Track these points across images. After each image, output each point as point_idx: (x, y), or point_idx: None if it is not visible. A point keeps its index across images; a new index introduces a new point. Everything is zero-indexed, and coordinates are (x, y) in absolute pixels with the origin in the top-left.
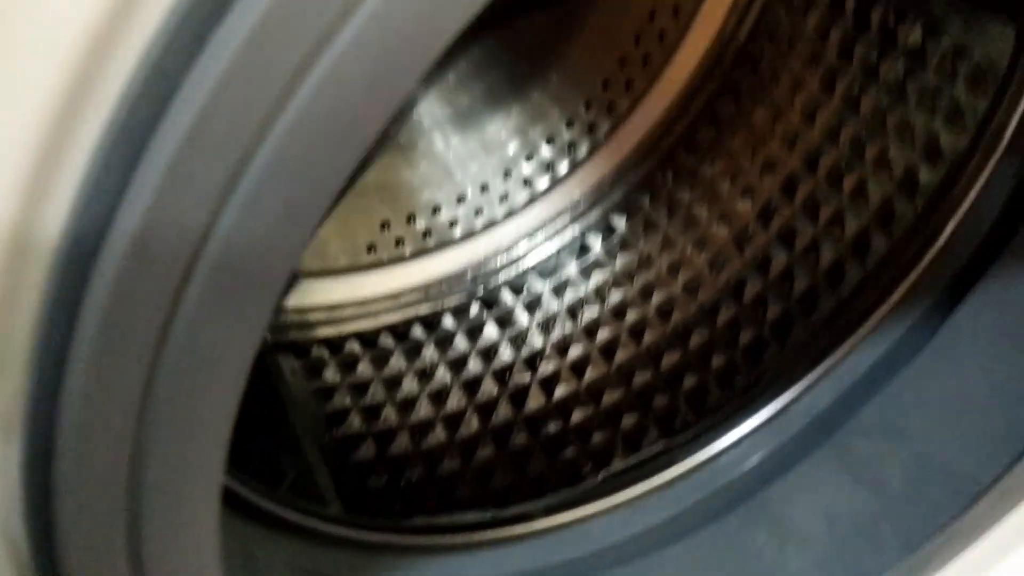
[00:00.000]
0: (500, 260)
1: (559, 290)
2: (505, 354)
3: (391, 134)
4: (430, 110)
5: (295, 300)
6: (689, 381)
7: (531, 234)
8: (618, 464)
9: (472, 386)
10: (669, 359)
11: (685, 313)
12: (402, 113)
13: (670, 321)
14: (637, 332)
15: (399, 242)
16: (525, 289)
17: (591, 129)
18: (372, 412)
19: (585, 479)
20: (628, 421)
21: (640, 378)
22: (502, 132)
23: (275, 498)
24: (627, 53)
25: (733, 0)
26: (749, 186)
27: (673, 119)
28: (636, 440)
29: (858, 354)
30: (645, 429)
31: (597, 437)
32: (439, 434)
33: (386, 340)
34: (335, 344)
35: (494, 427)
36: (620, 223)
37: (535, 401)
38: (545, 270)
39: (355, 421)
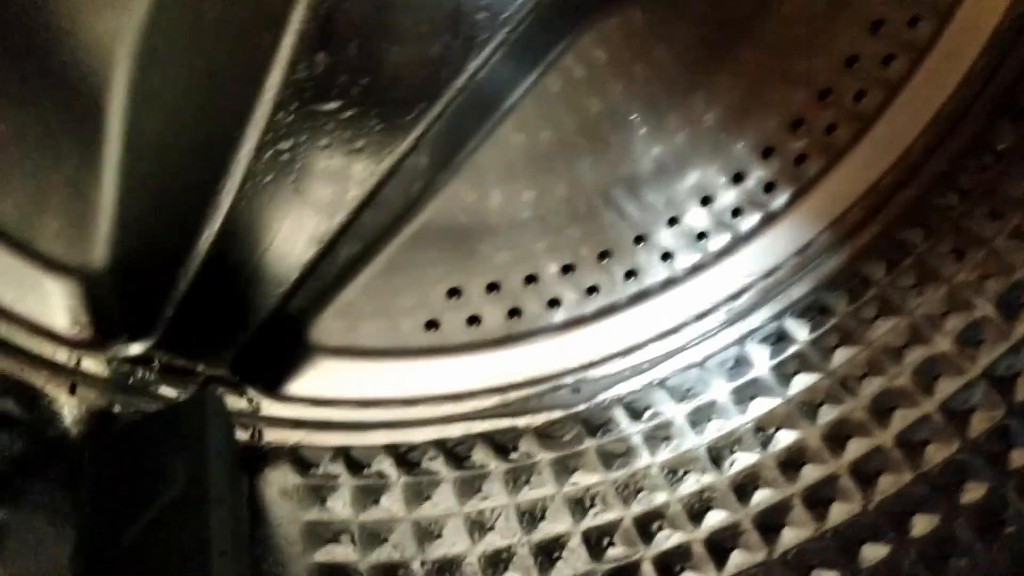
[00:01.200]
0: (616, 365)
1: (699, 419)
2: (608, 509)
3: (468, 135)
4: (527, 110)
5: (307, 386)
6: None
7: (667, 332)
8: None
9: (548, 553)
10: (873, 553)
11: (901, 478)
12: (495, 96)
13: (875, 489)
14: (819, 501)
15: (473, 320)
16: (648, 412)
17: (768, 189)
18: (387, 573)
19: None
20: None
21: None
22: (633, 178)
23: None
24: (833, 79)
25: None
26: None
27: (900, 178)
28: None
29: None
30: None
31: None
32: None
33: (433, 462)
34: (357, 459)
35: None
36: (800, 329)
37: None
38: (681, 387)
39: None
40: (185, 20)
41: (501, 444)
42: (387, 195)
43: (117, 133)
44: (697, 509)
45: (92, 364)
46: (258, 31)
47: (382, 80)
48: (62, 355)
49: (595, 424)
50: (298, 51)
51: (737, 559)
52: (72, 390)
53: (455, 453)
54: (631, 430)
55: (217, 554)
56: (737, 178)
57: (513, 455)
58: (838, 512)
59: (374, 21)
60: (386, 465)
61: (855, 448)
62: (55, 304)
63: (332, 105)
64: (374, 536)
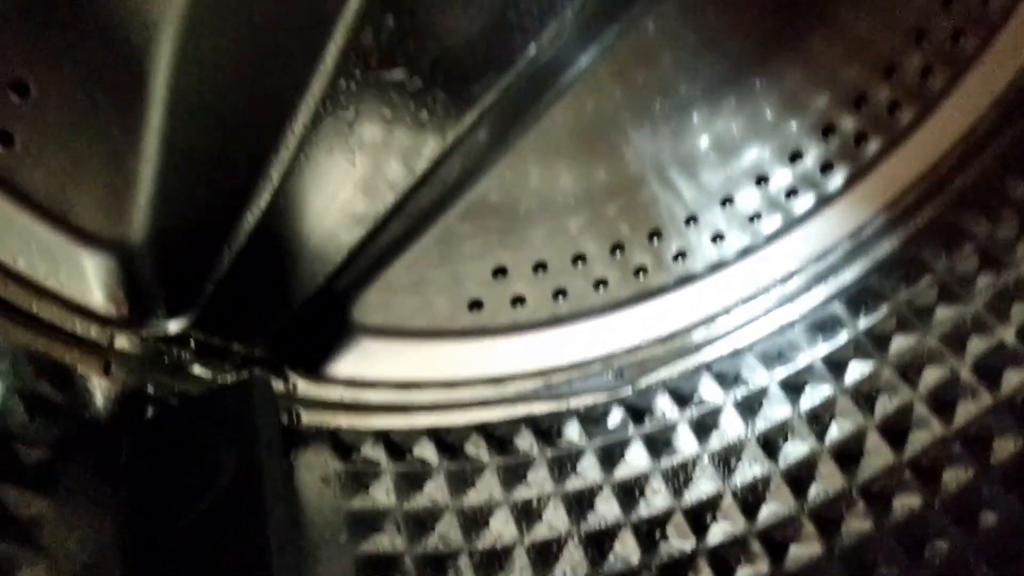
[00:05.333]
0: (661, 348)
1: (748, 408)
2: (656, 499)
3: (528, 115)
4: (591, 80)
5: (347, 367)
6: None
7: (714, 315)
8: None
9: (598, 543)
10: (939, 549)
11: (966, 474)
12: (561, 68)
13: (938, 486)
14: (879, 496)
15: (518, 301)
16: (696, 395)
17: (825, 169)
18: (435, 564)
19: None
20: None
21: None
22: (701, 135)
23: None
24: (899, 56)
25: None
26: None
27: (962, 160)
28: None
29: None
30: None
31: None
32: None
33: (475, 448)
34: (398, 444)
35: None
36: (853, 315)
37: None
38: (728, 374)
39: None
40: None
41: (544, 430)
42: (442, 172)
43: (161, 98)
44: (751, 501)
45: (126, 342)
46: None
47: (452, 47)
48: (96, 332)
49: (640, 409)
50: (364, 13)
51: (797, 552)
52: (106, 370)
53: (498, 438)
54: (678, 417)
55: (277, 550)
56: (794, 157)
57: (558, 441)
58: (901, 507)
59: None
60: (428, 451)
61: (917, 441)
62: (90, 279)
63: (398, 73)
64: (420, 525)
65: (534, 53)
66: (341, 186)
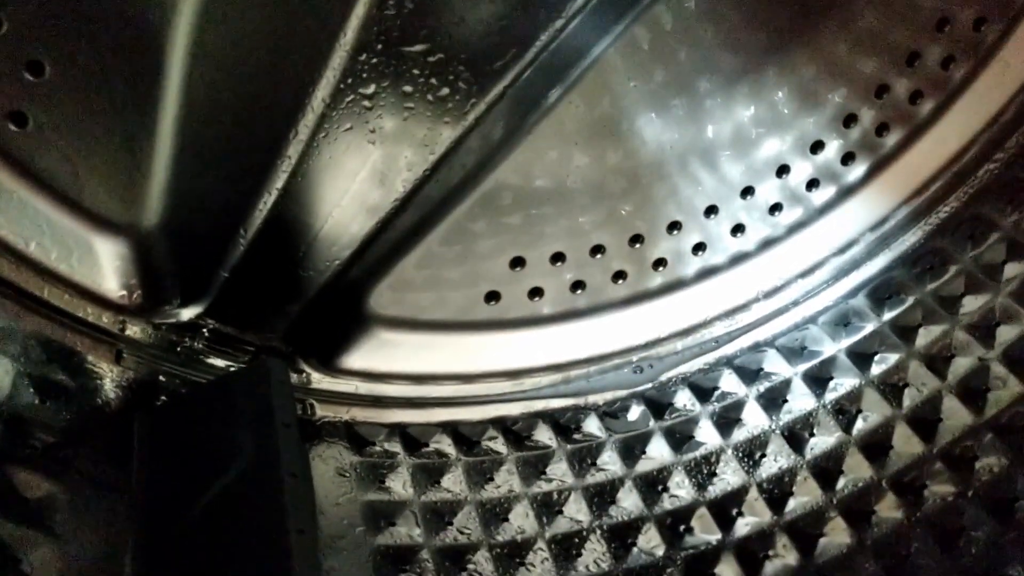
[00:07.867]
0: (681, 343)
1: (771, 401)
2: (680, 492)
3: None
4: (610, 65)
5: (361, 359)
6: None
7: (735, 309)
8: None
9: (621, 537)
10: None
11: (999, 462)
12: (580, 50)
13: (971, 475)
14: (908, 487)
15: (536, 292)
16: (716, 392)
17: (846, 160)
18: (453, 558)
19: None
20: None
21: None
22: (720, 126)
23: None
24: (922, 44)
25: None
26: None
27: (985, 150)
28: None
29: None
30: None
31: None
32: None
33: (493, 442)
34: (414, 437)
35: None
36: (877, 308)
37: None
38: (750, 367)
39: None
40: None
41: (563, 424)
42: (459, 157)
43: (178, 77)
44: (778, 494)
45: (138, 330)
46: None
47: (475, 21)
48: (107, 320)
49: (660, 404)
50: None
51: (828, 546)
52: (118, 358)
53: (516, 433)
54: (699, 411)
55: (295, 532)
56: (815, 148)
57: (577, 436)
58: (933, 498)
59: None
60: (445, 444)
61: (947, 432)
62: (103, 265)
63: (419, 47)
64: (438, 518)
65: (559, 26)
66: (359, 167)
